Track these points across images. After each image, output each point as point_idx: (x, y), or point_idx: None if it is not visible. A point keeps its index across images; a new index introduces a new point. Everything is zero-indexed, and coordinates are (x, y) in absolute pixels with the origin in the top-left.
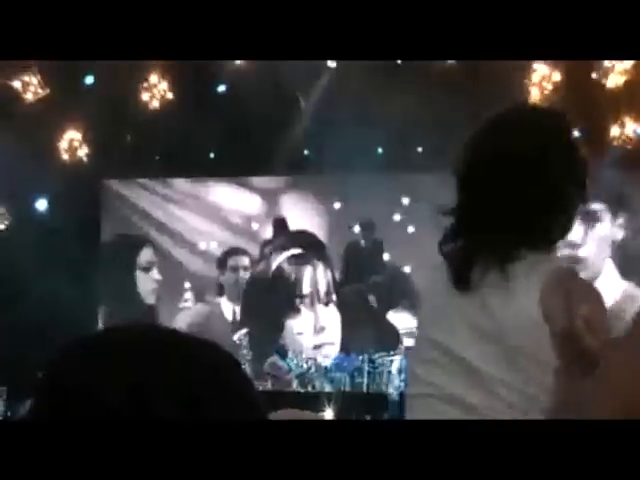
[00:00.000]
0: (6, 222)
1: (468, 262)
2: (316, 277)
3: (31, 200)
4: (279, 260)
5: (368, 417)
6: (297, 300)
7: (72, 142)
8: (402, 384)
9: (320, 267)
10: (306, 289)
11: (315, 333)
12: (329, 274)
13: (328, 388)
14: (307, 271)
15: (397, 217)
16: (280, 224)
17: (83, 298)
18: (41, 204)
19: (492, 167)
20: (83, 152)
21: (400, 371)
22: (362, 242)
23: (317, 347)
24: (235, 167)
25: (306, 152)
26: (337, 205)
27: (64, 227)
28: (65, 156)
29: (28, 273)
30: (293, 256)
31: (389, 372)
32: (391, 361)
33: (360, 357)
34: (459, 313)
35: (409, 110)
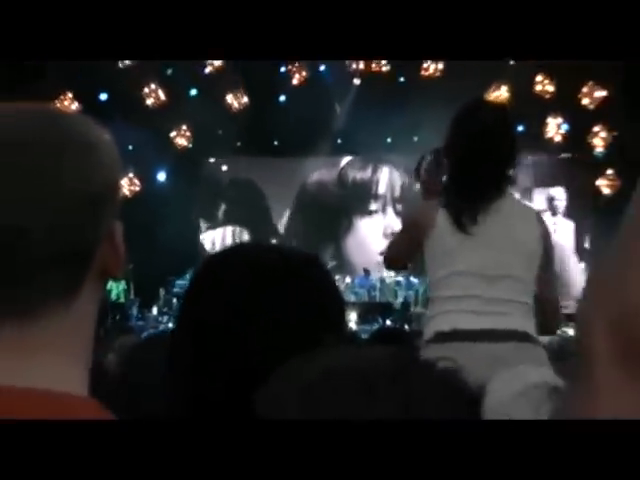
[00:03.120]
0: (137, 188)
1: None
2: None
3: (155, 172)
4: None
5: (380, 321)
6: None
7: (183, 132)
8: (403, 297)
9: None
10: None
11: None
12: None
13: (353, 299)
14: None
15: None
16: None
17: (188, 234)
18: (161, 175)
19: (467, 144)
20: (182, 136)
21: (401, 287)
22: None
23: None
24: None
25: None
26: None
27: (177, 191)
28: (178, 141)
29: (158, 218)
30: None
31: (395, 289)
32: (396, 281)
33: (374, 278)
34: (465, 252)
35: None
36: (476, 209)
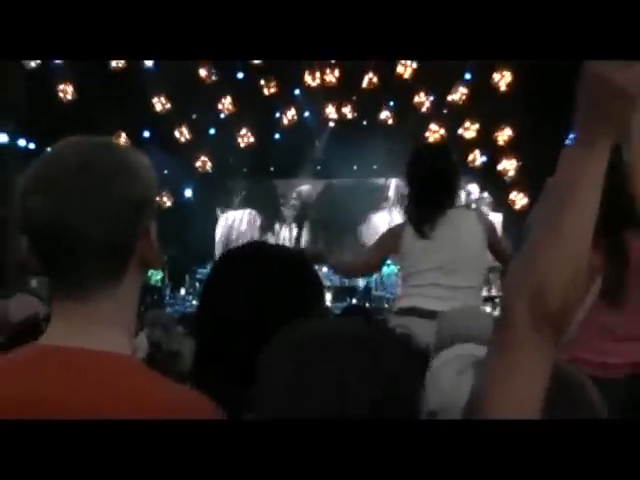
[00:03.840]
0: (170, 202)
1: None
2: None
3: (182, 190)
4: None
5: (348, 300)
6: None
7: (204, 162)
8: (365, 283)
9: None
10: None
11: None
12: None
13: (328, 284)
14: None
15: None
16: None
17: (206, 236)
18: (188, 192)
19: (422, 179)
20: (204, 163)
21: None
22: None
23: None
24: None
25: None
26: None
27: (198, 204)
28: (200, 168)
29: (185, 224)
30: None
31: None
32: None
33: None
34: (424, 252)
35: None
36: (432, 221)
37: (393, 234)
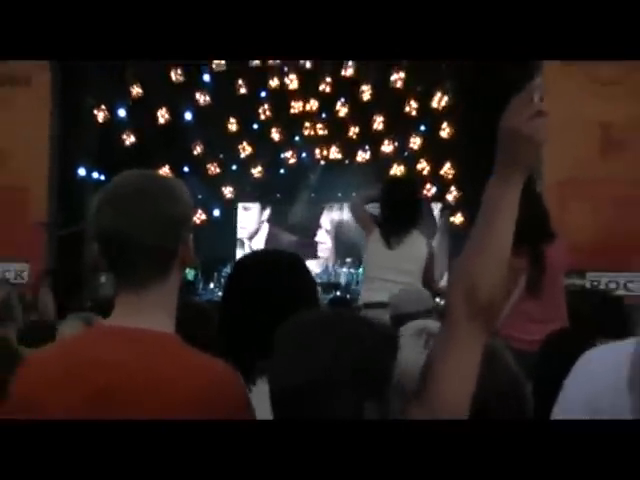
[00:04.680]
0: (203, 217)
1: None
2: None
3: (212, 210)
4: None
5: (333, 293)
6: None
7: (229, 190)
8: (346, 280)
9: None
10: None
11: None
12: None
13: (319, 281)
14: None
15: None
16: None
17: (229, 242)
18: (216, 212)
19: (392, 205)
20: (228, 190)
21: (345, 274)
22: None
23: None
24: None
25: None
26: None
27: (224, 221)
28: (226, 194)
29: (213, 235)
30: None
31: (341, 275)
32: (343, 271)
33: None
34: (388, 259)
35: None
36: (398, 236)
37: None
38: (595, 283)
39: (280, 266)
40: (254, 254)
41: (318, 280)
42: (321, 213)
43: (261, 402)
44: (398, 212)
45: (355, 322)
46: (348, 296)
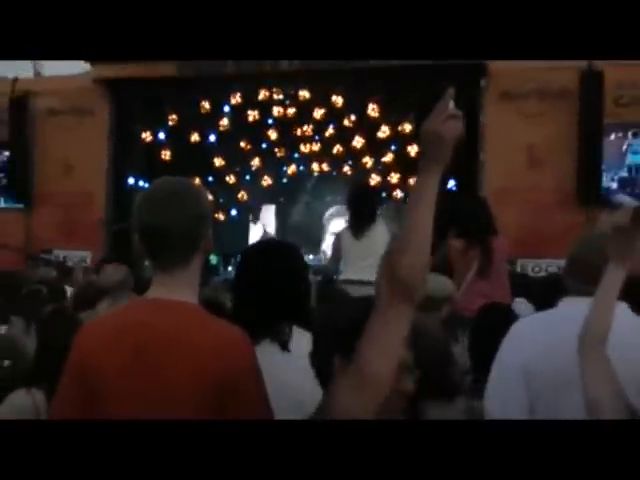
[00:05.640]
0: (223, 217)
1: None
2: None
3: (230, 210)
4: None
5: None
6: None
7: (242, 195)
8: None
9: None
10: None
11: None
12: None
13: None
14: None
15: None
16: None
17: (242, 235)
18: (233, 212)
19: (356, 204)
20: (242, 195)
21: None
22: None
23: None
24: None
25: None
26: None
27: (240, 219)
28: (240, 199)
29: (230, 230)
30: None
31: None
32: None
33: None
34: (358, 247)
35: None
36: (362, 229)
37: (336, 237)
38: (523, 267)
39: (285, 253)
40: (259, 244)
41: (309, 263)
42: (315, 212)
43: (263, 357)
44: (359, 211)
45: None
46: (335, 277)
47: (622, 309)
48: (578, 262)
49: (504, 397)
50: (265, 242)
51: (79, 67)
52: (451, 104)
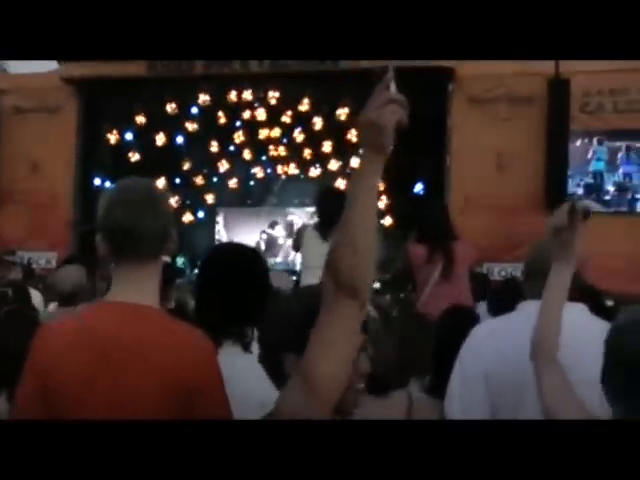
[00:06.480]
0: (191, 218)
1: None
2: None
3: (197, 212)
4: None
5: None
6: None
7: (209, 197)
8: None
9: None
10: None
11: None
12: None
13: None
14: None
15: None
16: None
17: (207, 236)
18: (200, 214)
19: (323, 207)
20: (210, 197)
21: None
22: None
23: None
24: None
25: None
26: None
27: (206, 221)
28: (207, 200)
29: (196, 232)
30: None
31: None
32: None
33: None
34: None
35: None
36: (330, 231)
37: (298, 233)
38: (489, 271)
39: (247, 258)
40: (220, 246)
41: (279, 268)
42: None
43: (226, 359)
44: (326, 212)
45: (310, 295)
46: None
47: (579, 310)
48: (533, 266)
49: (465, 402)
50: (226, 245)
51: (47, 65)
52: (392, 87)
